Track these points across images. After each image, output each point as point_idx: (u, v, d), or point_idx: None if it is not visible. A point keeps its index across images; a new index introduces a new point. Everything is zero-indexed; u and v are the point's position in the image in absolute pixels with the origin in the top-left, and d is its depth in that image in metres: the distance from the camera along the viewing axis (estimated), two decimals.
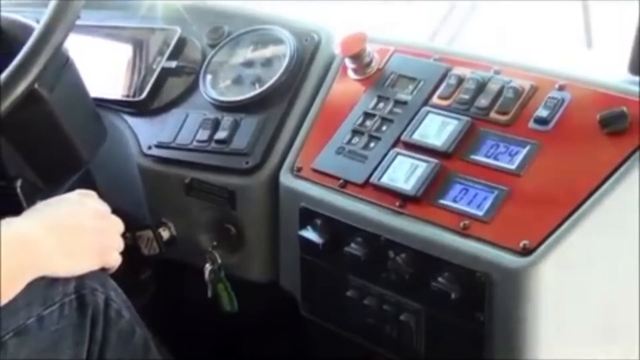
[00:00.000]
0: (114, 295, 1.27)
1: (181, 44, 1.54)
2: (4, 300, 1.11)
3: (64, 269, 1.21)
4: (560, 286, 1.10)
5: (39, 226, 1.20)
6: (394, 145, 1.27)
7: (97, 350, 1.25)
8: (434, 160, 1.22)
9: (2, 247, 1.12)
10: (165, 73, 1.53)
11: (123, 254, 1.29)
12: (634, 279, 1.14)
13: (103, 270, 1.27)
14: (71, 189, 1.42)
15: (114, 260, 1.28)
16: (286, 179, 1.36)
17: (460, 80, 1.28)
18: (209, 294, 1.45)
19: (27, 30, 1.30)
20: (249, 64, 1.48)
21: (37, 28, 1.25)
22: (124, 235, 1.31)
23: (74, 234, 1.23)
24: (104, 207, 1.30)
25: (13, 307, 1.15)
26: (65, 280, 1.22)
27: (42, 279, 1.19)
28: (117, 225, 1.30)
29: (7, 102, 1.22)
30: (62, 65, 1.36)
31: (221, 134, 1.42)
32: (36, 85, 1.27)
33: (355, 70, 1.38)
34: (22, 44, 1.25)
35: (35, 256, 1.17)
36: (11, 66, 1.23)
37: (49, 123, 1.38)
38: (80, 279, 1.23)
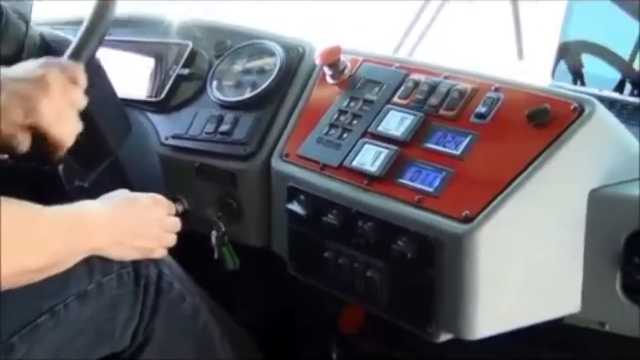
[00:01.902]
0: (166, 270, 1.26)
1: (192, 55, 1.53)
2: (61, 269, 1.09)
3: (115, 255, 1.20)
4: (495, 248, 1.10)
5: (107, 221, 1.18)
6: (363, 135, 1.27)
7: (148, 315, 1.24)
8: (395, 148, 1.22)
9: (65, 225, 1.10)
10: (180, 78, 1.52)
11: None
12: (558, 243, 1.14)
13: None
14: (104, 172, 1.42)
15: (159, 254, 1.26)
16: (277, 163, 1.35)
17: (416, 84, 1.28)
18: (215, 255, 1.44)
19: (66, 43, 1.29)
20: (247, 71, 1.48)
21: (74, 41, 1.25)
22: None
23: (130, 233, 1.21)
24: (167, 218, 1.29)
25: (75, 275, 1.14)
26: None
27: None
28: (172, 234, 1.29)
29: None
30: (95, 71, 1.35)
31: (224, 127, 1.42)
32: None
33: (332, 76, 1.37)
34: (62, 53, 1.25)
35: (90, 244, 1.15)
36: None
37: (84, 118, 1.37)
38: None
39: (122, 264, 1.21)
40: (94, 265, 1.17)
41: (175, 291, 1.27)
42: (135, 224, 1.22)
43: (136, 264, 1.22)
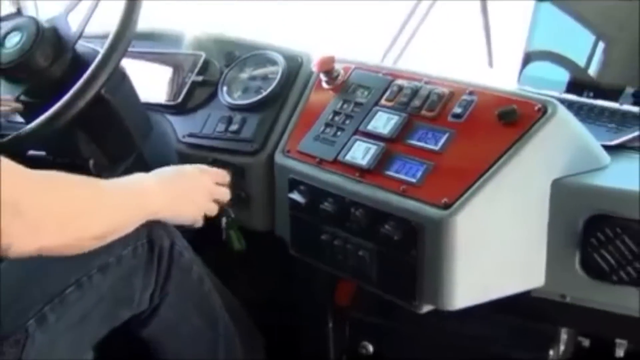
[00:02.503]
0: (177, 241, 1.25)
1: (205, 64, 1.52)
2: (121, 234, 1.10)
3: (168, 218, 1.20)
4: (470, 230, 1.10)
5: (158, 185, 1.17)
6: (354, 133, 1.26)
7: (162, 280, 1.23)
8: (382, 144, 1.21)
9: (118, 203, 1.10)
10: (194, 85, 1.51)
11: None
12: (525, 226, 1.13)
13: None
14: (129, 166, 1.41)
15: (197, 221, 1.26)
16: (279, 158, 1.34)
17: (400, 88, 1.27)
18: (223, 236, 1.42)
19: (95, 54, 1.28)
20: (253, 78, 1.47)
21: (101, 52, 1.24)
22: None
23: (181, 198, 1.21)
24: (215, 186, 1.27)
25: (96, 249, 1.12)
26: (138, 228, 1.18)
27: None
28: (214, 204, 1.27)
29: (82, 102, 1.21)
30: (120, 78, 1.35)
31: (233, 127, 1.41)
32: (102, 91, 1.25)
33: (327, 82, 1.36)
34: (90, 63, 1.24)
35: (149, 208, 1.15)
36: (84, 77, 1.22)
37: (111, 118, 1.36)
38: (150, 228, 1.20)
39: (137, 237, 1.19)
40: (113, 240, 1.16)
41: (184, 259, 1.26)
42: (185, 190, 1.21)
43: (150, 236, 1.20)
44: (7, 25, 1.32)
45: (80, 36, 1.30)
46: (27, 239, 0.95)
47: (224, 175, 1.29)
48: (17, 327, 1.07)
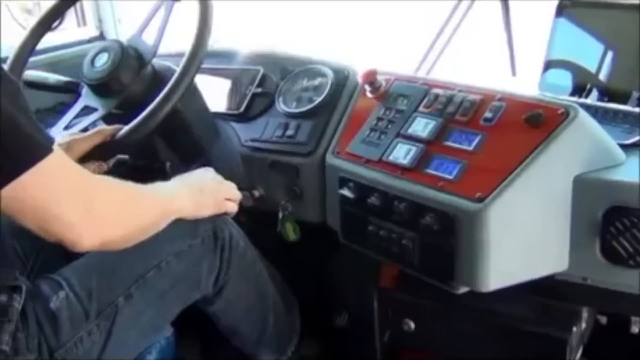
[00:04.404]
0: (234, 231, 1.28)
1: (263, 78, 1.53)
2: (154, 231, 1.12)
3: (192, 214, 1.21)
4: (501, 221, 1.09)
5: (179, 187, 1.20)
6: (396, 136, 1.26)
7: (225, 266, 1.26)
8: (421, 145, 1.21)
9: (155, 200, 1.13)
10: (254, 96, 1.52)
11: None
12: (550, 217, 1.13)
13: (226, 214, 1.27)
14: (199, 167, 1.41)
15: (230, 208, 1.28)
16: (330, 158, 1.35)
17: (436, 96, 1.27)
18: (278, 228, 1.45)
19: (172, 71, 1.30)
20: (305, 89, 1.47)
21: (177, 70, 1.26)
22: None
23: (199, 192, 1.22)
24: (219, 177, 1.29)
25: (172, 239, 1.17)
26: (205, 221, 1.22)
27: (190, 220, 1.20)
28: (229, 186, 1.29)
29: (161, 114, 1.23)
30: (192, 91, 1.36)
31: (289, 132, 1.42)
32: (178, 104, 1.27)
33: (371, 92, 1.36)
34: (169, 80, 1.26)
35: (175, 207, 1.17)
36: (162, 93, 1.24)
37: (185, 126, 1.38)
38: (214, 221, 1.24)
39: (205, 229, 1.23)
40: (185, 231, 1.20)
41: (241, 247, 1.29)
42: (198, 185, 1.22)
43: (214, 229, 1.24)
44: (94, 48, 1.35)
45: (155, 52, 1.31)
46: (93, 232, 0.97)
47: (235, 194, 1.30)
48: (109, 303, 1.11)
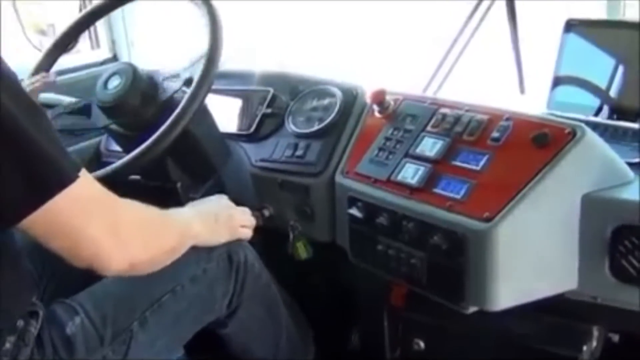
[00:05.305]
0: (249, 254, 1.28)
1: (273, 98, 1.53)
2: (175, 257, 1.12)
3: (208, 241, 1.21)
4: (510, 241, 1.09)
5: (195, 214, 1.20)
6: (404, 156, 1.27)
7: (239, 288, 1.27)
8: (429, 165, 1.22)
9: (176, 225, 1.14)
10: (264, 116, 1.52)
11: None
12: (558, 236, 1.12)
13: (241, 240, 1.28)
14: (210, 187, 1.44)
15: (244, 234, 1.28)
16: (339, 178, 1.35)
17: (444, 116, 1.27)
18: (290, 250, 1.45)
19: (183, 93, 1.31)
20: (314, 109, 1.47)
21: (188, 92, 1.27)
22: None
23: (214, 220, 1.23)
24: (233, 204, 1.30)
25: (187, 263, 1.17)
26: (220, 245, 1.22)
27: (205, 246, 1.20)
28: (243, 212, 1.30)
29: (172, 135, 1.24)
30: (202, 112, 1.37)
31: (299, 152, 1.42)
32: (189, 125, 1.28)
33: (379, 112, 1.37)
34: (179, 102, 1.27)
35: (192, 233, 1.17)
36: (174, 114, 1.25)
37: (196, 147, 1.39)
38: (229, 245, 1.24)
39: (219, 253, 1.23)
40: (200, 255, 1.20)
41: (256, 269, 1.29)
42: (212, 212, 1.23)
43: (229, 252, 1.24)
44: (107, 70, 1.37)
45: (168, 77, 1.33)
46: (120, 256, 0.98)
47: (250, 220, 1.31)
48: (124, 328, 1.11)
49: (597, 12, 1.65)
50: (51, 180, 0.90)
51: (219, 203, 1.28)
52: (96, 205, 0.95)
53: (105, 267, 0.98)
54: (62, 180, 0.90)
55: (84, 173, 0.94)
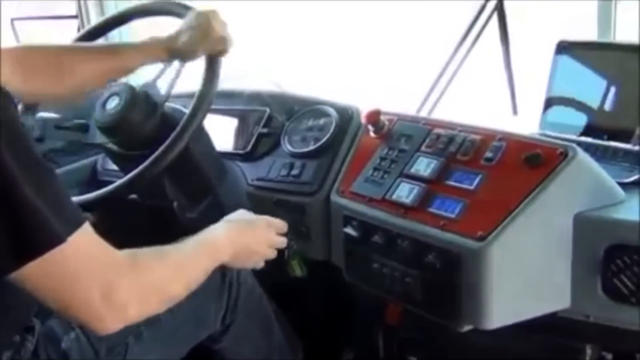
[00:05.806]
0: (242, 270, 1.28)
1: (269, 118, 1.54)
2: (204, 279, 1.08)
3: (234, 266, 1.20)
4: (503, 259, 1.10)
5: (228, 244, 1.15)
6: (399, 176, 1.27)
7: (232, 303, 1.27)
8: (424, 185, 1.23)
9: (204, 252, 1.10)
10: (260, 136, 1.54)
11: None
12: (551, 255, 1.13)
13: None
14: (207, 206, 1.43)
15: (259, 265, 1.25)
16: (335, 197, 1.36)
17: (438, 136, 1.28)
18: (286, 266, 1.42)
19: (181, 113, 1.32)
20: (310, 129, 1.49)
21: (187, 113, 1.28)
22: None
23: (246, 256, 1.20)
24: (276, 237, 1.24)
25: None
26: None
27: None
28: (272, 252, 1.24)
29: (171, 155, 1.24)
30: (200, 132, 1.37)
31: (295, 172, 1.43)
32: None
33: (374, 132, 1.38)
34: (177, 122, 1.28)
35: (221, 257, 1.14)
36: (173, 135, 1.26)
37: (192, 166, 1.39)
38: None
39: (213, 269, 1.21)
40: None
41: (249, 284, 1.30)
42: (251, 243, 1.19)
43: (222, 268, 1.20)
44: (106, 91, 1.37)
45: (167, 99, 1.34)
46: (115, 319, 0.93)
47: (284, 227, 1.27)
48: (119, 343, 1.12)
49: (588, 33, 1.67)
50: (37, 240, 0.84)
51: (257, 234, 1.21)
52: (90, 266, 0.89)
53: (99, 330, 0.93)
54: (50, 240, 0.85)
55: (83, 230, 0.88)
